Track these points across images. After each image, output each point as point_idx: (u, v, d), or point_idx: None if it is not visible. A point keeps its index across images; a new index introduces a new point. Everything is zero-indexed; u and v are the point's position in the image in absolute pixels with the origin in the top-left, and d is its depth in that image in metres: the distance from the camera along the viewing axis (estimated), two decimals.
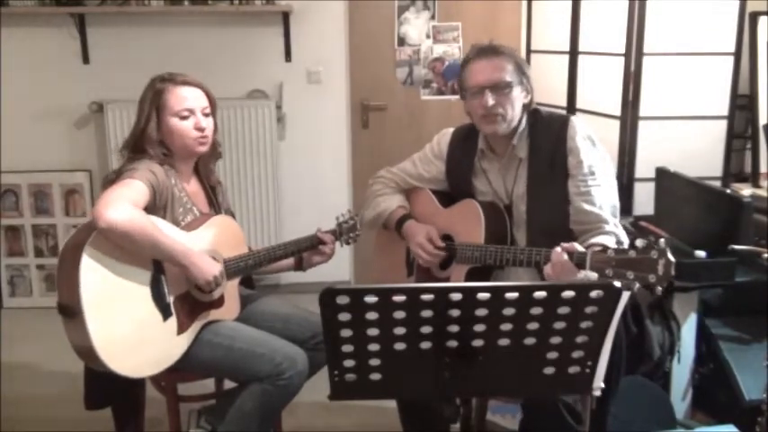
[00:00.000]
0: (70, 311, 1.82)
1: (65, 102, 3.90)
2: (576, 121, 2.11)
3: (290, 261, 2.33)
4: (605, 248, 1.70)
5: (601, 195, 2.02)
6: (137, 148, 2.07)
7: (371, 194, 2.39)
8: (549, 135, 2.10)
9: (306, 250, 2.30)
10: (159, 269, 1.96)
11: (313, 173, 4.07)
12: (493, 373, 1.47)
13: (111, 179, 2.00)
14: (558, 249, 1.79)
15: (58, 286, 1.88)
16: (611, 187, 2.07)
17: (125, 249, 1.87)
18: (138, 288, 1.92)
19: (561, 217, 2.06)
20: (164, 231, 1.93)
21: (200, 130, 2.07)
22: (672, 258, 1.57)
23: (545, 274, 1.84)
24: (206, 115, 2.11)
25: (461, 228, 2.17)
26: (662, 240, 1.58)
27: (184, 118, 2.06)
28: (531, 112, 2.15)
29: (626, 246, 1.68)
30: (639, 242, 1.61)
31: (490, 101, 2.04)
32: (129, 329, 1.89)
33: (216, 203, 2.24)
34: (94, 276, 1.82)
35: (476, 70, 2.09)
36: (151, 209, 1.96)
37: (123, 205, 1.83)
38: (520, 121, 2.12)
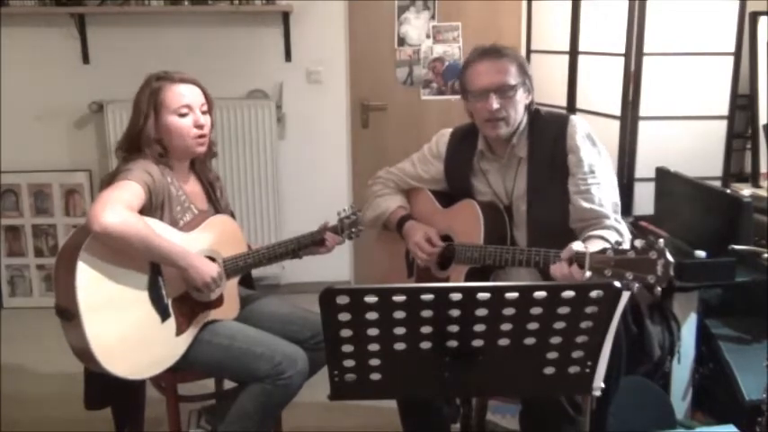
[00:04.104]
0: (68, 315, 1.82)
1: (65, 102, 3.89)
2: (576, 119, 2.11)
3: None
4: (604, 249, 1.70)
5: (601, 193, 2.02)
6: (132, 147, 2.05)
7: (371, 195, 2.39)
8: (549, 134, 2.10)
9: (306, 248, 2.29)
10: (157, 270, 1.96)
11: (313, 173, 4.06)
12: (493, 373, 1.47)
13: (107, 181, 1.99)
14: (558, 265, 1.79)
15: (55, 290, 1.88)
16: (612, 185, 2.07)
17: (121, 252, 1.86)
18: (136, 290, 1.92)
19: (562, 216, 2.06)
20: (160, 234, 1.92)
21: (200, 127, 2.06)
22: (671, 259, 1.57)
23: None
24: (204, 113, 2.10)
25: (460, 228, 2.17)
26: (661, 241, 1.58)
27: (183, 115, 2.05)
28: (532, 111, 2.15)
29: (627, 242, 1.68)
30: (638, 242, 1.61)
31: (495, 104, 2.03)
32: (128, 332, 1.89)
33: (215, 200, 2.23)
34: (90, 280, 1.82)
35: (479, 72, 2.07)
36: (148, 210, 1.95)
37: (118, 208, 1.82)
38: (521, 121, 2.12)
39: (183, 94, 2.06)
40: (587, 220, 2.01)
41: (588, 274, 1.71)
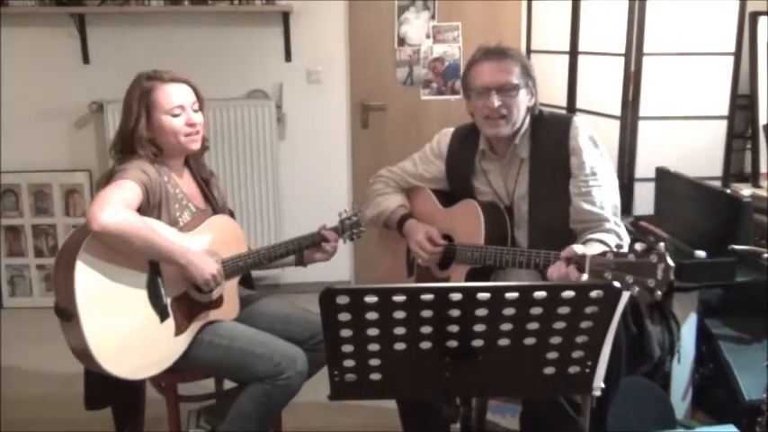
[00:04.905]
0: (66, 314, 1.82)
1: (65, 102, 3.89)
2: (579, 121, 2.11)
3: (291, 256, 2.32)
4: (604, 252, 1.70)
5: (602, 195, 2.02)
6: (126, 148, 2.05)
7: (372, 194, 2.39)
8: (551, 135, 2.10)
9: (307, 248, 2.29)
10: (156, 270, 1.96)
11: (313, 173, 4.06)
12: (493, 373, 1.47)
13: (103, 181, 1.99)
14: (556, 265, 1.79)
15: (54, 289, 1.89)
16: (613, 187, 2.07)
17: (120, 251, 1.86)
18: (135, 290, 1.91)
19: (563, 217, 2.06)
20: (159, 232, 1.92)
21: (192, 125, 2.07)
22: (671, 263, 1.56)
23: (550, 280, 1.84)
24: (195, 111, 2.10)
25: (461, 228, 2.17)
26: (661, 245, 1.58)
27: (176, 115, 2.05)
28: (535, 113, 2.14)
29: (626, 246, 1.68)
30: (639, 246, 1.60)
31: (496, 102, 2.04)
32: (126, 332, 1.89)
33: (212, 197, 2.23)
34: (89, 280, 1.82)
35: (482, 71, 2.08)
36: (145, 209, 1.95)
37: (116, 207, 1.83)
38: (522, 122, 2.12)
39: (175, 95, 2.06)
40: (587, 222, 2.01)
41: (585, 276, 1.71)
